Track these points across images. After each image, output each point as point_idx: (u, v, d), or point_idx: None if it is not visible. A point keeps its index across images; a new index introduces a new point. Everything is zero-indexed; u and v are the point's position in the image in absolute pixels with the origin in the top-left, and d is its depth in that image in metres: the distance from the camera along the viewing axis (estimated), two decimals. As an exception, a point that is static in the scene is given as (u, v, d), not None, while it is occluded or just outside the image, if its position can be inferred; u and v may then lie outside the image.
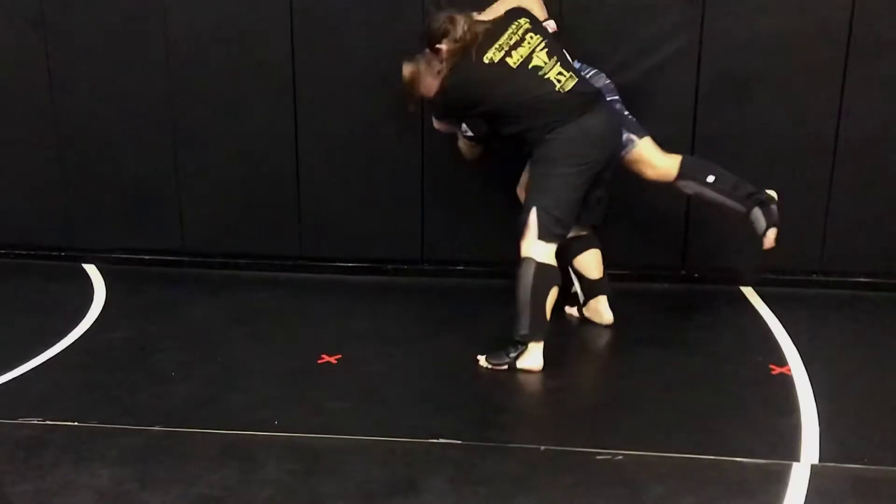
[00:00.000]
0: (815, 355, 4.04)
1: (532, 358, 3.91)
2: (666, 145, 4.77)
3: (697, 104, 4.70)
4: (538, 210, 3.87)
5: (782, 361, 4.02)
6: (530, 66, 3.89)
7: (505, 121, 3.98)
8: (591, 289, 4.36)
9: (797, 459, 3.23)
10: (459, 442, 3.36)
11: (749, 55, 4.61)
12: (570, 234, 4.13)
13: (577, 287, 4.41)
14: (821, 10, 4.53)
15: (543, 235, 3.86)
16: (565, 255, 4.22)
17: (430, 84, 4.06)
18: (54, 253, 5.36)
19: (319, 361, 4.07)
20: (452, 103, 4.06)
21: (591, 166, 3.93)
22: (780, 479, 3.11)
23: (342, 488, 3.08)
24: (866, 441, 3.36)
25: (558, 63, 3.93)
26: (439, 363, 4.08)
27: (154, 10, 4.88)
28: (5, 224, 5.35)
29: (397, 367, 4.04)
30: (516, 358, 3.92)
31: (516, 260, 3.92)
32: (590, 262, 4.34)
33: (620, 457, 3.24)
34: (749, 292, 4.83)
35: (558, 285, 3.94)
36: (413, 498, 3.03)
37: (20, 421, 3.52)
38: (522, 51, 3.90)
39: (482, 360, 3.98)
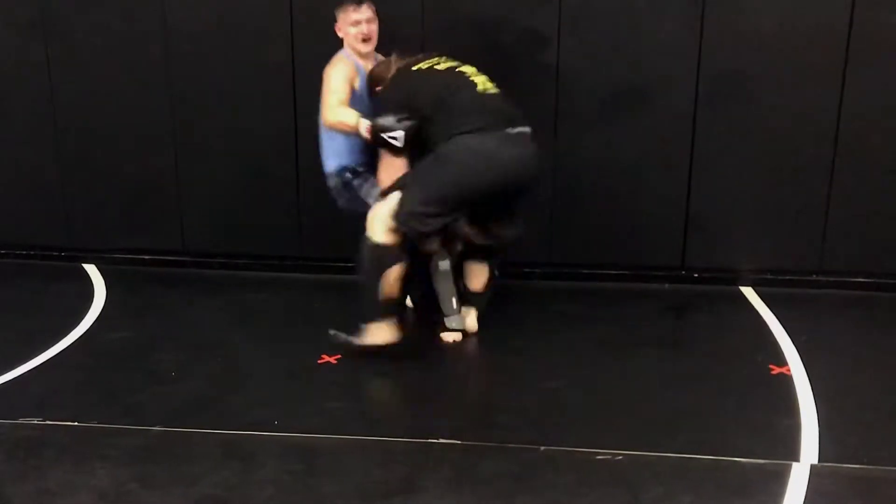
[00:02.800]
0: (814, 355, 4.04)
1: (378, 333, 4.01)
2: (666, 145, 4.79)
3: (697, 104, 4.70)
4: (405, 194, 3.92)
5: (782, 361, 4.02)
6: (457, 70, 4.11)
7: (428, 121, 4.00)
8: (467, 298, 4.37)
9: (797, 459, 3.23)
10: (459, 442, 3.36)
11: (749, 55, 4.61)
12: (480, 242, 4.19)
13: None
14: (821, 10, 4.53)
15: (399, 218, 3.91)
16: (461, 256, 4.30)
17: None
18: (54, 253, 5.36)
19: (319, 361, 4.06)
20: (392, 98, 4.08)
21: (483, 183, 3.92)
22: (779, 479, 3.11)
23: (342, 488, 3.08)
24: (866, 441, 3.36)
25: (486, 77, 4.11)
26: (439, 363, 4.08)
27: (154, 10, 4.89)
28: (5, 224, 5.35)
29: (397, 368, 4.03)
30: (358, 335, 4.03)
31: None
32: (475, 272, 4.34)
33: (620, 457, 3.24)
34: (749, 292, 4.83)
35: (399, 265, 3.96)
36: (413, 498, 3.03)
37: (20, 421, 3.52)
38: (451, 63, 4.15)
39: (330, 332, 4.08)
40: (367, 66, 4.36)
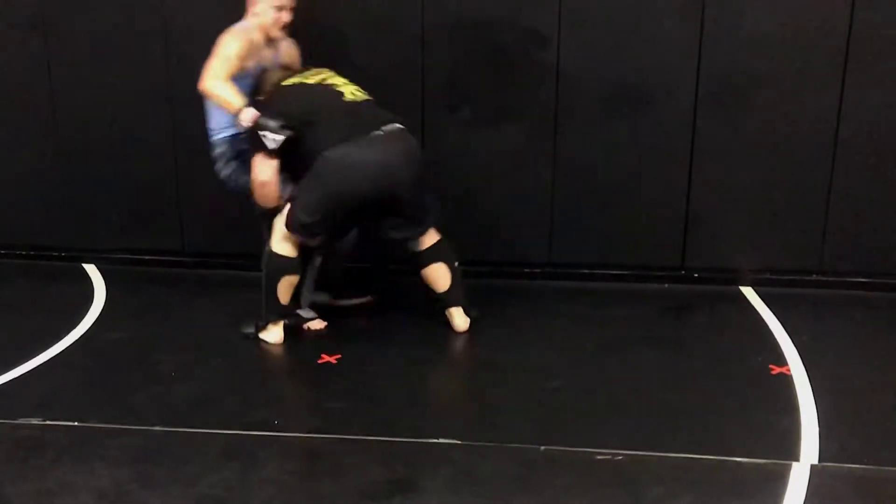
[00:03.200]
0: (814, 355, 4.04)
1: (271, 334, 4.25)
2: (666, 145, 4.79)
3: (697, 104, 4.70)
4: (293, 206, 4.06)
5: (782, 361, 4.02)
6: (325, 83, 4.19)
7: (302, 137, 4.04)
8: (441, 300, 4.38)
9: (797, 459, 3.23)
10: (459, 442, 3.36)
11: (749, 55, 4.61)
12: (417, 248, 4.29)
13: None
14: (821, 10, 4.53)
15: (289, 227, 4.06)
16: (416, 265, 4.35)
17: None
18: (54, 253, 5.36)
19: (319, 361, 4.07)
20: (271, 111, 4.07)
21: (361, 191, 4.01)
22: (779, 479, 3.11)
23: (342, 488, 3.08)
24: (866, 441, 3.36)
25: (354, 86, 4.21)
26: (439, 363, 4.08)
27: (154, 11, 4.88)
28: (5, 224, 5.35)
29: (397, 367, 4.04)
30: (258, 331, 4.26)
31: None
32: (434, 276, 4.34)
33: (620, 457, 3.24)
34: (749, 292, 4.83)
35: (294, 274, 4.17)
36: (413, 498, 3.03)
37: (20, 421, 3.52)
38: (321, 76, 4.22)
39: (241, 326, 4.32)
40: (266, 52, 4.33)
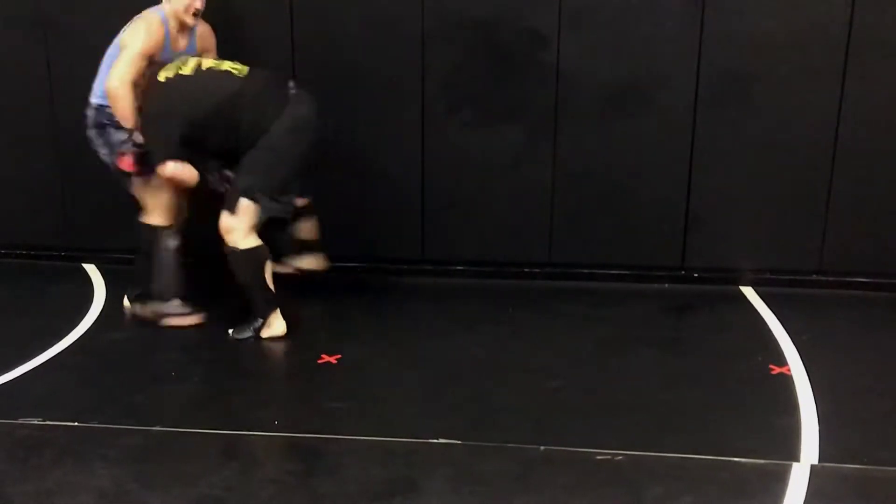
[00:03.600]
0: (814, 355, 4.04)
1: (274, 327, 4.26)
2: (666, 145, 4.79)
3: (697, 104, 4.70)
4: (248, 193, 4.09)
5: (782, 361, 4.02)
6: (205, 68, 4.16)
7: (210, 129, 4.09)
8: (310, 247, 4.72)
9: (797, 459, 3.23)
10: (459, 442, 3.36)
11: (749, 55, 4.61)
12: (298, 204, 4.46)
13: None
14: (821, 10, 4.53)
15: (265, 211, 4.13)
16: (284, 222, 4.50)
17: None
18: (54, 253, 5.36)
19: (319, 361, 4.07)
20: (156, 119, 4.11)
21: (312, 142, 4.23)
22: (780, 479, 3.11)
23: (342, 488, 3.08)
24: (866, 441, 3.36)
25: (229, 62, 4.22)
26: (439, 363, 4.08)
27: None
28: (5, 224, 5.35)
29: (397, 367, 4.04)
30: (259, 329, 4.25)
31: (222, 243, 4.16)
32: (310, 227, 4.68)
33: (620, 457, 3.24)
34: (749, 292, 4.83)
35: (269, 258, 4.22)
36: (413, 498, 3.03)
37: (20, 421, 3.52)
38: (193, 63, 4.16)
39: (230, 332, 4.28)
40: (180, 39, 4.33)
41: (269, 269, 4.22)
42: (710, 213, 4.86)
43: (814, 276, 4.88)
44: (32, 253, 5.37)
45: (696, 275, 4.96)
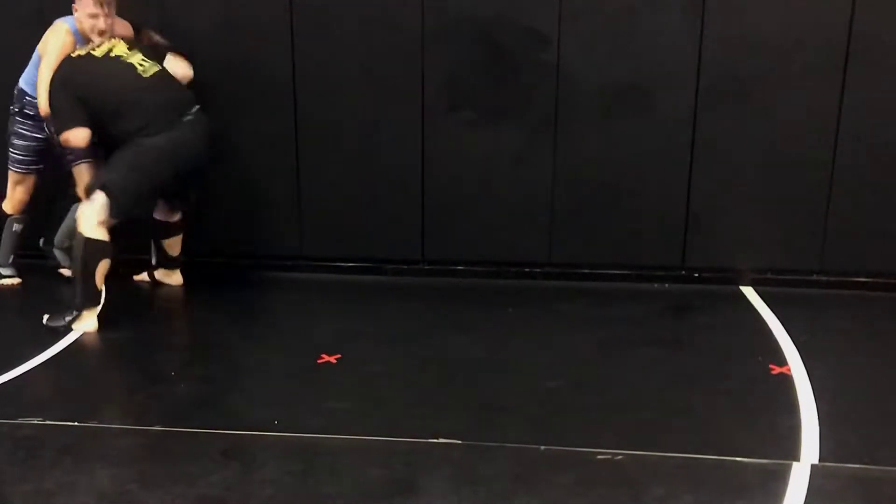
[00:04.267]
0: (815, 355, 4.04)
1: (87, 322, 4.33)
2: (666, 145, 4.79)
3: (697, 104, 4.70)
4: (107, 188, 4.27)
5: (782, 361, 4.02)
6: (113, 54, 4.40)
7: (105, 114, 4.33)
8: (170, 263, 4.97)
9: (797, 459, 3.23)
10: (459, 442, 3.35)
11: (749, 55, 4.61)
12: (166, 219, 4.82)
13: (154, 259, 5.02)
14: (821, 11, 4.53)
15: (112, 213, 4.27)
16: (156, 233, 4.90)
17: None
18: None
19: (319, 361, 4.06)
20: (57, 88, 4.37)
21: (166, 173, 4.39)
22: (780, 479, 3.11)
23: (342, 488, 3.08)
24: (866, 441, 3.36)
25: (140, 55, 4.44)
26: (439, 363, 4.08)
27: (153, 10, 4.88)
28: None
29: (397, 367, 4.04)
30: (72, 321, 4.32)
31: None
32: (175, 242, 4.94)
33: (620, 457, 3.24)
34: (749, 292, 4.82)
35: (110, 257, 4.33)
36: (413, 498, 3.03)
37: (20, 421, 3.51)
38: (107, 47, 4.42)
39: (45, 319, 4.36)
40: (96, 40, 4.51)
41: (104, 266, 4.30)
42: (710, 213, 4.86)
43: (814, 276, 4.88)
44: (32, 253, 5.36)
45: (696, 275, 4.96)
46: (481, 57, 4.79)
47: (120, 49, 4.43)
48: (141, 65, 4.41)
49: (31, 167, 4.87)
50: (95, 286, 4.31)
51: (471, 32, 4.75)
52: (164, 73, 4.49)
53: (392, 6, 4.77)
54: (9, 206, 4.98)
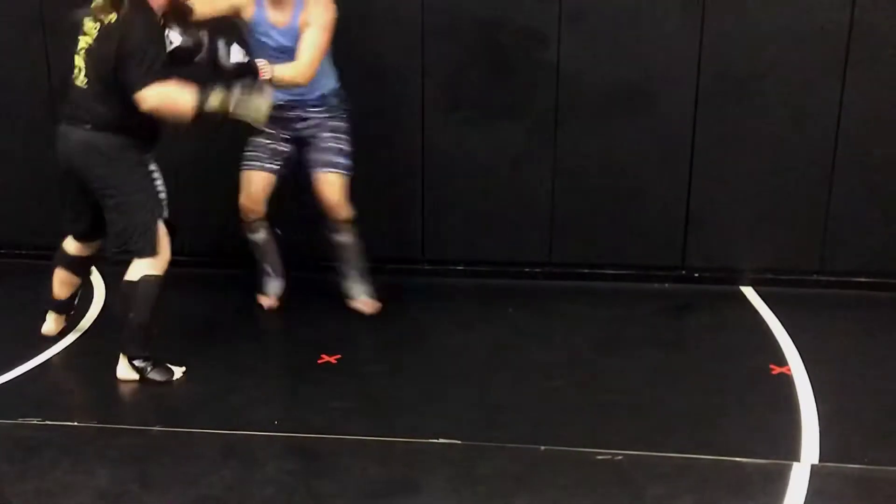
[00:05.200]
0: (815, 355, 4.04)
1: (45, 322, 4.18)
2: (666, 145, 4.79)
3: (697, 104, 4.70)
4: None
5: (782, 361, 4.02)
6: (78, 51, 3.84)
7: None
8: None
9: (797, 459, 3.23)
10: (459, 442, 3.36)
11: (749, 54, 4.61)
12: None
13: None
14: (821, 10, 4.53)
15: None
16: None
17: None
18: (54, 253, 5.34)
19: (319, 361, 4.07)
20: None
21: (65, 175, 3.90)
22: (780, 479, 3.11)
23: (342, 488, 3.08)
24: (866, 441, 3.36)
25: (84, 63, 3.82)
26: (439, 363, 4.08)
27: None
28: (5, 224, 5.35)
29: (397, 367, 4.04)
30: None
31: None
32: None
33: (620, 457, 3.24)
34: (749, 292, 4.82)
35: (58, 266, 4.17)
36: (413, 498, 3.03)
37: (20, 421, 3.52)
38: (82, 39, 3.83)
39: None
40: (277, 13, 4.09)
41: (57, 274, 4.17)
42: (710, 213, 4.86)
43: (814, 276, 4.88)
44: (32, 253, 5.37)
45: (696, 275, 4.95)
46: (481, 56, 4.79)
47: (85, 41, 3.89)
48: (79, 74, 3.92)
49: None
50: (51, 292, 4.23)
51: (471, 32, 4.75)
52: (90, 81, 3.90)
53: (392, 5, 4.76)
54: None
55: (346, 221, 4.45)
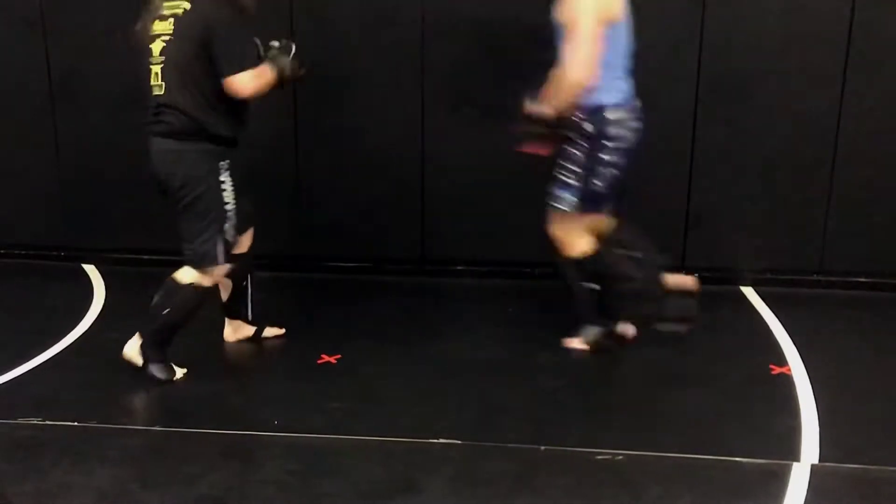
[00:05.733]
0: (815, 355, 4.04)
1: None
2: (666, 145, 4.79)
3: (697, 104, 4.70)
4: None
5: (782, 361, 4.02)
6: (150, 46, 3.64)
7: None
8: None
9: (797, 459, 3.23)
10: (459, 442, 3.36)
11: (749, 55, 4.61)
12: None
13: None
14: (821, 12, 4.53)
15: None
16: None
17: None
18: (54, 253, 5.36)
19: (319, 361, 4.07)
20: None
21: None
22: (780, 479, 3.11)
23: (342, 488, 3.08)
24: (866, 441, 3.36)
25: (162, 64, 3.61)
26: (439, 363, 4.08)
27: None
28: (5, 224, 5.35)
29: (397, 367, 4.04)
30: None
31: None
32: None
33: (620, 457, 3.24)
34: (749, 292, 4.82)
35: None
36: (413, 498, 3.03)
37: (20, 421, 3.52)
38: (159, 27, 3.62)
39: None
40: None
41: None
42: (710, 213, 4.86)
43: (814, 276, 4.88)
44: (32, 253, 5.38)
45: (696, 275, 4.94)
46: (481, 57, 4.79)
47: (157, 47, 3.66)
48: (157, 67, 3.70)
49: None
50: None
51: (471, 32, 4.75)
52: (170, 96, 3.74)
53: (392, 5, 4.76)
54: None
55: (566, 260, 4.09)
